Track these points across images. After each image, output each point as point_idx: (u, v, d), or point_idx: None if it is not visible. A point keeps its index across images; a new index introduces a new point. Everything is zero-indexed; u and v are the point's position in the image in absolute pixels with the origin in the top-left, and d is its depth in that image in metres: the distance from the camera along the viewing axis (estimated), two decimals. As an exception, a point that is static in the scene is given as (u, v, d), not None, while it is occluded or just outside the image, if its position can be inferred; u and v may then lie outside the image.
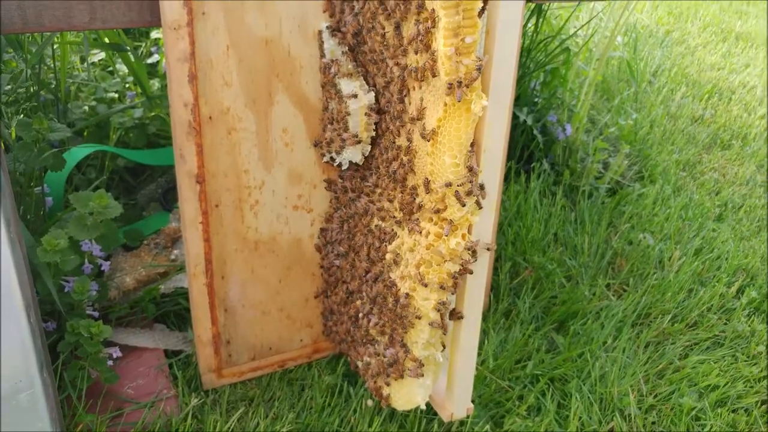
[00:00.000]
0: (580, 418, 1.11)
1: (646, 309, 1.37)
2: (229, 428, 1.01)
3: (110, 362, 1.03)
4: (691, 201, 1.75)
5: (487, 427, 1.05)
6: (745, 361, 1.28)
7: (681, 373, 1.23)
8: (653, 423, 1.13)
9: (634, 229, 1.58)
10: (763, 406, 1.18)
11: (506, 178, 1.58)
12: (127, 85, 1.50)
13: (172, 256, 1.26)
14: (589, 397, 1.14)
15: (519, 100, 1.63)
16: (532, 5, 1.59)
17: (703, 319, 1.38)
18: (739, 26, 3.27)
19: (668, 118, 2.17)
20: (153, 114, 1.45)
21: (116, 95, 1.47)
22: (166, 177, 1.46)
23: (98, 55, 1.50)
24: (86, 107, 1.37)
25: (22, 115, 1.21)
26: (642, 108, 2.14)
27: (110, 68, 1.56)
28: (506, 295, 1.34)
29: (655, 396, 1.18)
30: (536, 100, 1.67)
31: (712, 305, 1.41)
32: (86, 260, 1.05)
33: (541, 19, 1.63)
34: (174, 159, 0.94)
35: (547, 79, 1.68)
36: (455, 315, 0.89)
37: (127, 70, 1.53)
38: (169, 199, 1.41)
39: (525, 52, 1.62)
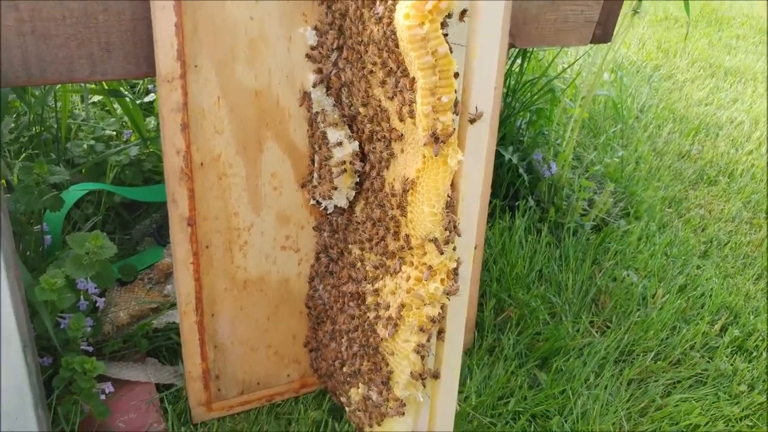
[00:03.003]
0: (561, 455, 1.13)
1: (629, 346, 1.40)
2: (215, 464, 1.03)
3: (103, 397, 1.05)
4: (676, 238, 1.78)
5: (469, 464, 1.07)
6: (727, 400, 1.31)
7: (663, 411, 1.25)
8: (633, 461, 1.16)
9: (618, 266, 1.61)
10: (742, 445, 1.21)
11: (491, 216, 1.63)
12: (124, 123, 1.55)
13: (165, 291, 1.29)
14: (570, 435, 1.17)
15: (505, 139, 1.68)
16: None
17: (686, 357, 1.40)
18: (727, 61, 3.34)
19: (654, 155, 2.22)
20: (149, 151, 1.50)
21: (114, 133, 1.53)
22: (161, 213, 1.50)
23: (97, 96, 1.56)
24: (85, 145, 1.41)
25: (23, 156, 1.25)
26: (629, 144, 2.19)
27: (106, 108, 1.62)
28: (491, 332, 1.37)
29: (636, 434, 1.21)
30: (522, 138, 1.72)
31: (695, 343, 1.44)
32: (81, 297, 1.09)
33: (525, 62, 1.69)
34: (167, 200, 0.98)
35: (532, 119, 1.74)
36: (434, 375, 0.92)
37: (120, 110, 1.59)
38: (163, 234, 1.45)
39: (511, 93, 1.68)
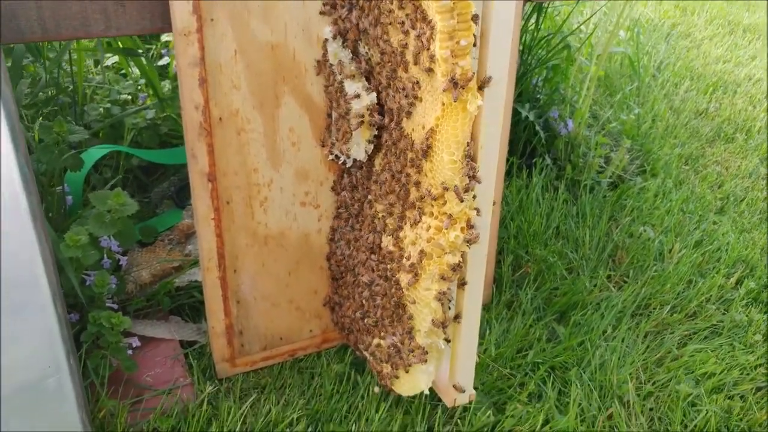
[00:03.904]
0: (580, 404, 1.15)
1: (645, 300, 1.40)
2: (242, 414, 1.06)
3: (130, 351, 1.08)
4: (693, 194, 1.78)
5: (489, 412, 1.09)
6: (742, 349, 1.31)
7: (679, 361, 1.26)
8: (651, 409, 1.17)
9: (635, 222, 1.61)
10: (758, 393, 1.22)
11: (509, 174, 1.62)
12: (139, 87, 1.55)
13: (186, 251, 1.31)
14: (588, 385, 1.18)
15: (521, 97, 1.66)
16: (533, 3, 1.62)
17: (701, 309, 1.41)
18: (746, 18, 3.27)
19: (671, 112, 2.20)
20: (164, 115, 1.51)
21: (129, 97, 1.53)
22: (179, 175, 1.51)
23: (112, 59, 1.56)
24: (101, 109, 1.42)
25: (41, 118, 1.26)
26: (645, 102, 2.16)
27: (123, 71, 1.62)
28: (509, 287, 1.38)
29: (654, 383, 1.22)
30: (538, 96, 1.71)
31: (710, 296, 1.44)
32: (105, 255, 1.10)
33: (541, 17, 1.66)
34: (186, 158, 0.99)
35: (549, 76, 1.72)
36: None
37: (139, 73, 1.59)
38: (181, 197, 1.46)
39: (527, 49, 1.66)
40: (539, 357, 1.22)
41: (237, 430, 1.04)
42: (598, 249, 1.52)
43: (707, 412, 1.15)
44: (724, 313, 1.40)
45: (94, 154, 1.23)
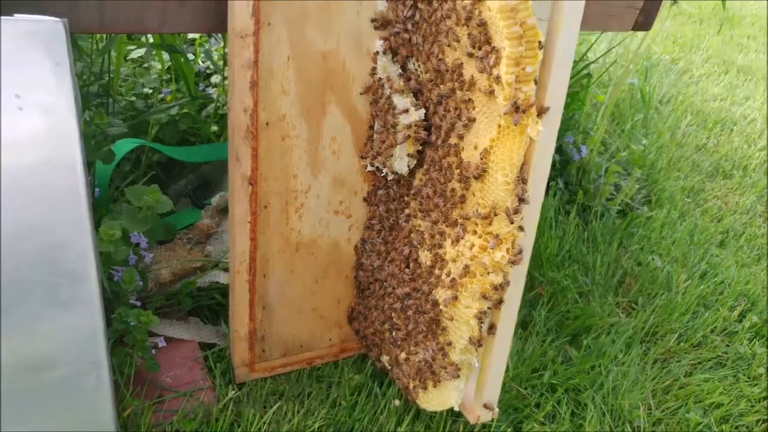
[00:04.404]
0: (593, 427, 1.16)
1: (653, 327, 1.43)
2: (265, 422, 1.05)
3: (153, 351, 1.06)
4: (696, 227, 1.82)
5: (508, 431, 1.10)
6: (747, 381, 1.35)
7: (686, 390, 1.29)
8: (660, 436, 1.20)
9: (644, 250, 1.65)
10: (764, 425, 1.25)
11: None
12: (162, 82, 1.54)
13: (206, 252, 1.29)
14: (601, 408, 1.20)
15: (540, 121, 1.69)
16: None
17: (707, 339, 1.44)
18: (740, 59, 3.38)
19: (675, 146, 2.26)
20: (184, 111, 1.49)
21: (151, 91, 1.51)
22: (196, 174, 1.49)
23: (136, 52, 1.54)
24: (124, 102, 1.40)
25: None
26: (650, 134, 2.22)
27: (145, 64, 1.60)
28: (523, 307, 1.39)
29: (663, 410, 1.24)
30: (555, 121, 1.74)
31: (715, 327, 1.48)
32: (131, 251, 1.09)
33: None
34: (228, 159, 0.98)
35: (566, 102, 1.75)
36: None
37: (160, 67, 1.58)
38: (198, 195, 1.45)
39: (547, 75, 1.69)
40: (554, 378, 1.23)
41: (258, 436, 1.03)
42: (608, 275, 1.55)
43: (717, 442, 1.17)
44: (728, 345, 1.44)
45: (123, 147, 1.21)
